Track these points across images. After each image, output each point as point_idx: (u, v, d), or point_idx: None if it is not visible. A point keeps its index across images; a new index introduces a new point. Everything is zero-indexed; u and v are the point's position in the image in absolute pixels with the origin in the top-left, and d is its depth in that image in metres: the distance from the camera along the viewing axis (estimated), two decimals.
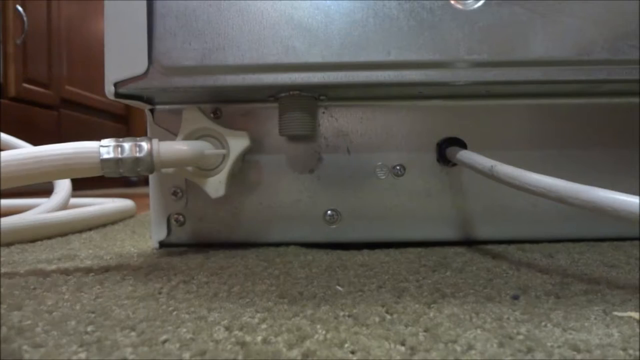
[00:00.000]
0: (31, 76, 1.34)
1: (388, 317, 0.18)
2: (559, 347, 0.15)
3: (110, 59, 0.27)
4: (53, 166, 0.24)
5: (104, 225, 0.47)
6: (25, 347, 0.15)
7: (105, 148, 0.25)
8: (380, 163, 0.32)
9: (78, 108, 1.57)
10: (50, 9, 1.45)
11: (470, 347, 0.15)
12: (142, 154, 0.26)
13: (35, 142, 0.42)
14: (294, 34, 0.27)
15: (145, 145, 0.26)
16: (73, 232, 0.41)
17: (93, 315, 0.18)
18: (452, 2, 0.27)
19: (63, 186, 0.52)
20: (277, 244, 0.32)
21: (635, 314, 0.18)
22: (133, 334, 0.16)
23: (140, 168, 0.26)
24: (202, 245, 0.33)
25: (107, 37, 0.27)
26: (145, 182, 1.66)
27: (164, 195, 0.32)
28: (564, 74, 0.28)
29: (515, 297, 0.20)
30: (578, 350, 0.15)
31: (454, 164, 0.31)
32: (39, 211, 0.45)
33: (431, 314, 0.18)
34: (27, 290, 0.22)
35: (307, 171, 0.32)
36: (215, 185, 0.29)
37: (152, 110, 0.32)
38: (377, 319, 0.18)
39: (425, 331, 0.16)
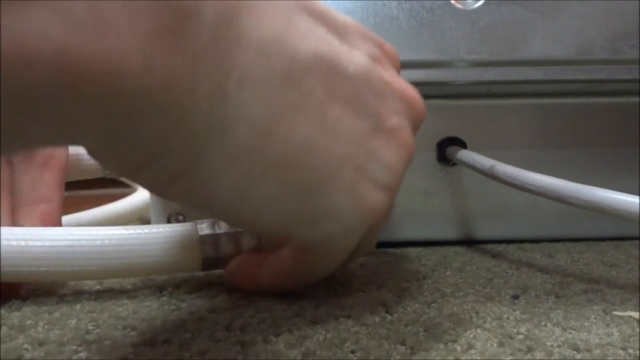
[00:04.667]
0: None
1: (388, 316, 0.18)
2: (558, 346, 0.15)
3: None
4: None
5: None
6: (25, 345, 0.15)
7: None
8: None
9: None
10: None
11: (470, 346, 0.15)
12: None
13: None
14: None
15: None
16: None
17: (93, 314, 0.18)
18: (452, 1, 0.27)
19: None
20: None
21: (635, 314, 0.18)
22: (133, 333, 0.16)
23: None
24: None
25: None
26: None
27: None
28: (564, 74, 0.28)
29: (515, 297, 0.20)
30: (578, 350, 0.15)
31: (454, 164, 0.31)
32: None
33: (431, 314, 0.18)
34: (27, 290, 0.22)
35: None
36: None
37: None
38: (377, 319, 0.18)
39: (425, 331, 0.17)
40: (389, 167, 0.16)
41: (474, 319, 0.18)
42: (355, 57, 0.16)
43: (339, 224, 0.16)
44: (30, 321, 0.18)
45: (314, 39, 0.15)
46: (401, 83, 0.18)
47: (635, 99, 0.31)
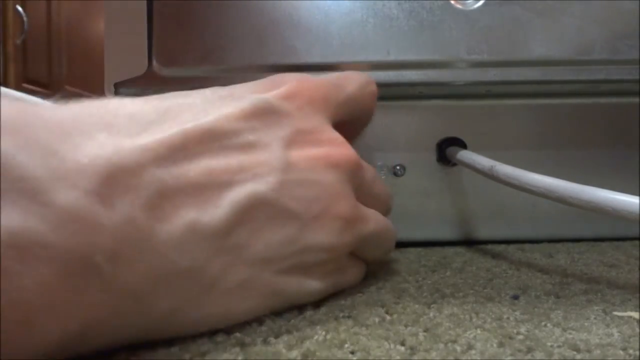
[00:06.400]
0: (31, 76, 1.34)
1: (388, 317, 0.18)
2: (558, 346, 0.15)
3: (110, 60, 0.27)
4: None
5: None
6: None
7: None
8: (380, 163, 0.32)
9: None
10: (50, 9, 1.46)
11: (470, 347, 0.15)
12: None
13: None
14: (293, 34, 0.27)
15: None
16: None
17: None
18: (452, 2, 0.27)
19: None
20: None
21: (635, 314, 0.18)
22: None
23: None
24: None
25: (107, 37, 0.27)
26: None
27: None
28: (563, 74, 0.28)
29: (515, 297, 0.20)
30: (578, 350, 0.15)
31: (454, 164, 0.31)
32: None
33: (431, 314, 0.18)
34: None
35: None
36: None
37: None
38: (376, 320, 0.18)
39: (425, 331, 0.16)
40: (324, 248, 0.18)
41: (473, 319, 0.18)
42: (267, 168, 0.16)
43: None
44: None
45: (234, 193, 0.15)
46: (318, 152, 0.18)
47: (635, 99, 0.31)
